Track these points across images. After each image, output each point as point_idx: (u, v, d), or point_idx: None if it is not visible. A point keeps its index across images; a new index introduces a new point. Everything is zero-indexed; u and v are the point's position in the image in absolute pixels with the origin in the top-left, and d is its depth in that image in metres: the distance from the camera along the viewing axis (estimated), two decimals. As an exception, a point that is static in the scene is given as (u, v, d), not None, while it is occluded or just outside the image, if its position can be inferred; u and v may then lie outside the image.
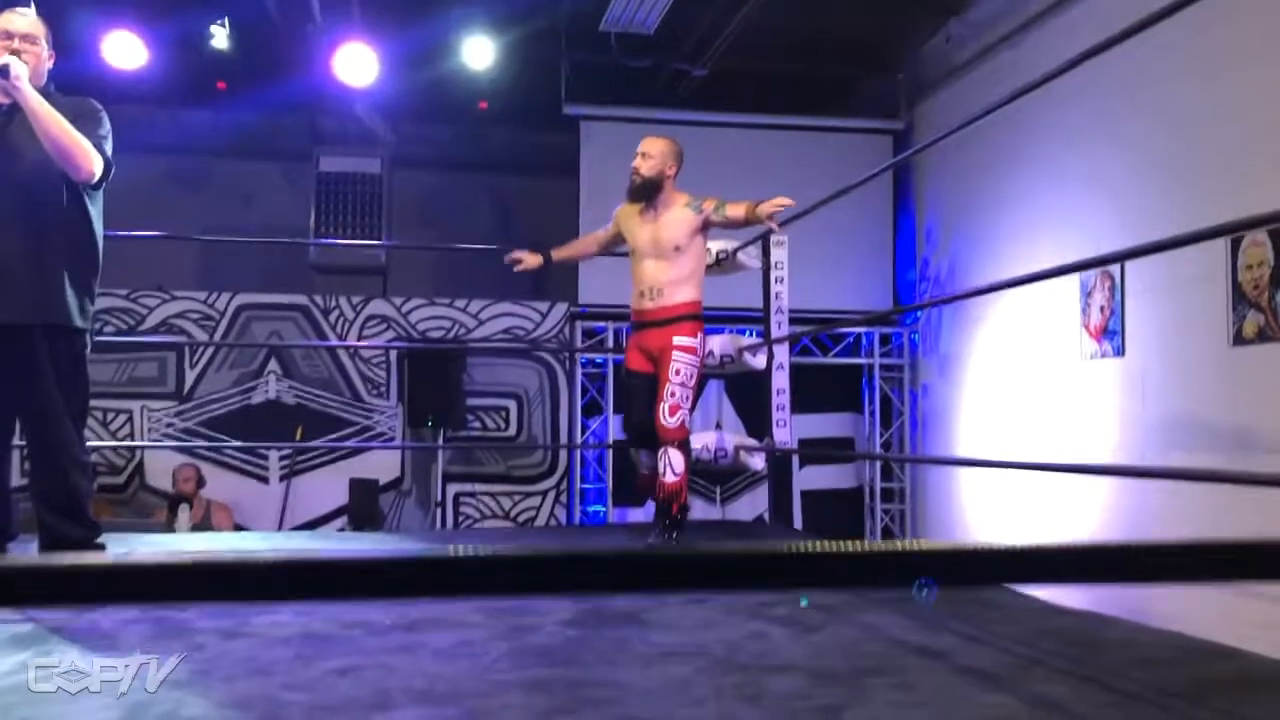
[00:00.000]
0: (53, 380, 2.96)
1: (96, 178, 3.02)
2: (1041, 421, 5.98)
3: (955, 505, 7.14)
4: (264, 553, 0.81)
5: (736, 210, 3.93)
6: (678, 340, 3.93)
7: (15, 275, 2.91)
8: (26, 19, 3.06)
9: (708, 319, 4.10)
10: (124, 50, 6.47)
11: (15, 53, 2.95)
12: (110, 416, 7.11)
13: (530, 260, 4.30)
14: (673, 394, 3.89)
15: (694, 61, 7.39)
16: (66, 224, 3.02)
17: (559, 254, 4.36)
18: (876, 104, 8.14)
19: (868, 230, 7.81)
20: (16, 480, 3.40)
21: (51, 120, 2.91)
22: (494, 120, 8.03)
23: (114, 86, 6.38)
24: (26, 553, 3.19)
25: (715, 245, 4.67)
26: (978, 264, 6.87)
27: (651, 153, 4.00)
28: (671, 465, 3.93)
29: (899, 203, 8.00)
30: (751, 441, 4.77)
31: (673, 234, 3.97)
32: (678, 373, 3.90)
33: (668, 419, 3.88)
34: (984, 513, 6.72)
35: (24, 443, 3.13)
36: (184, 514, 6.45)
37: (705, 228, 4.03)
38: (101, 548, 3.09)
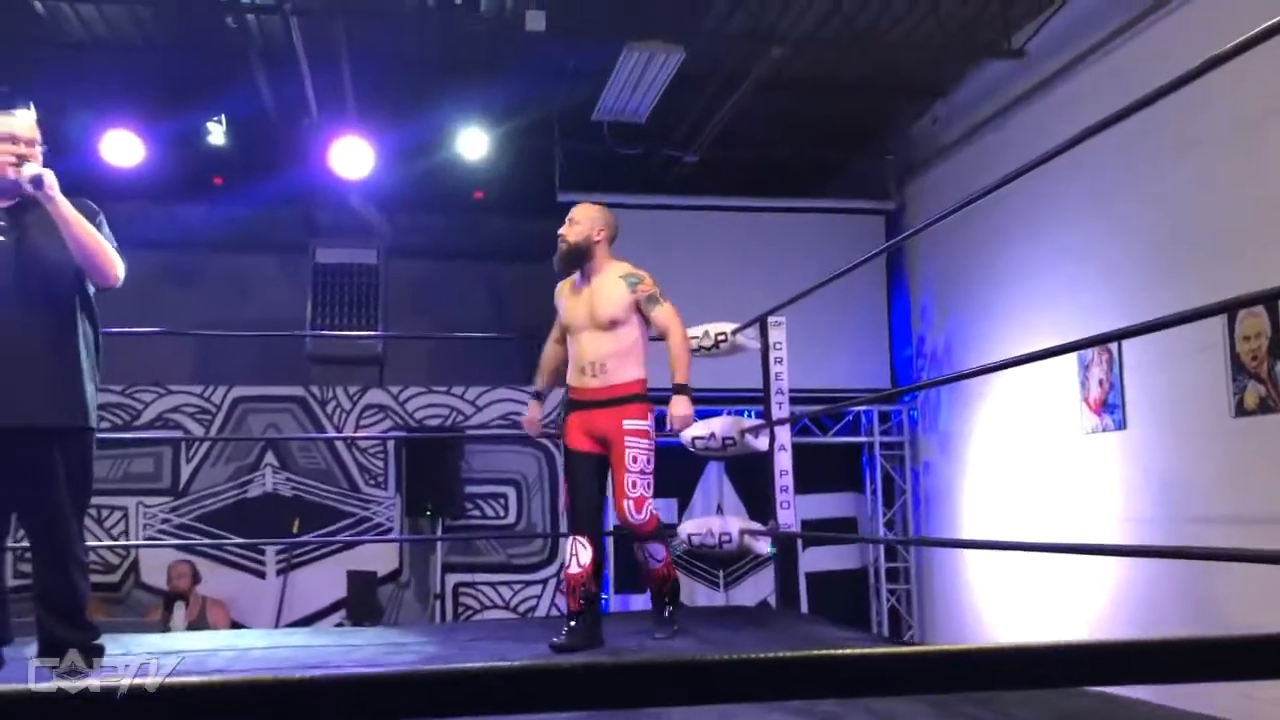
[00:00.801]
0: (64, 481, 2.93)
1: (120, 281, 3.04)
2: (1045, 497, 5.93)
3: (962, 584, 7.06)
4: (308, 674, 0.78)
5: (673, 355, 3.76)
6: (629, 424, 3.66)
7: (34, 378, 2.90)
8: (28, 122, 3.09)
9: (705, 400, 4.08)
10: (122, 148, 6.55)
11: (22, 157, 2.98)
12: (105, 514, 7.03)
13: (535, 415, 4.12)
14: (634, 485, 3.65)
15: (685, 148, 7.50)
16: (80, 324, 3.03)
17: (543, 384, 4.09)
18: (867, 184, 8.25)
19: (862, 308, 7.84)
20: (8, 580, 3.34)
21: (82, 228, 2.95)
22: (488, 209, 8.11)
23: (110, 183, 6.45)
24: (23, 657, 3.11)
25: (714, 328, 4.69)
26: (974, 340, 6.89)
27: (578, 218, 3.80)
28: (652, 554, 3.82)
29: (893, 280, 8.06)
30: (756, 525, 4.72)
31: (607, 307, 3.73)
32: (635, 460, 3.64)
33: (635, 515, 3.67)
34: (991, 592, 6.64)
35: (23, 543, 3.09)
36: (179, 612, 6.34)
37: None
38: (100, 650, 3.03)
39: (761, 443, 4.67)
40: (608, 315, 3.71)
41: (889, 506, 7.98)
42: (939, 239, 7.29)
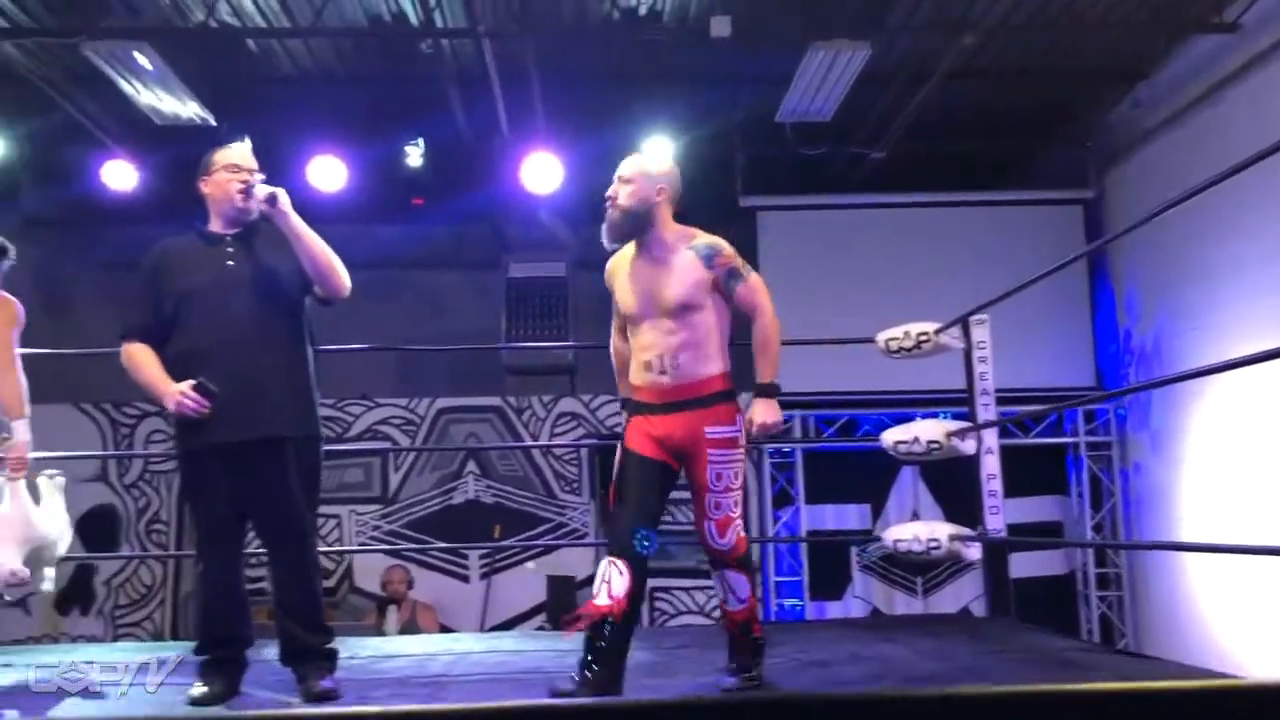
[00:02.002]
0: (301, 490, 3.09)
1: (348, 291, 3.19)
2: (1276, 498, 5.54)
3: (1184, 592, 6.64)
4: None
5: (761, 343, 3.10)
6: (712, 433, 3.00)
7: (271, 390, 3.07)
8: (246, 152, 3.28)
9: (894, 403, 3.75)
10: (327, 173, 6.90)
11: (248, 183, 3.15)
12: (320, 521, 7.40)
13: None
14: (717, 506, 3.00)
15: (871, 145, 7.35)
16: (305, 338, 3.20)
17: (625, 388, 3.29)
18: (1062, 174, 7.91)
19: (1062, 302, 7.48)
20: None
21: (313, 241, 3.12)
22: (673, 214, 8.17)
23: (317, 207, 6.78)
24: (264, 659, 3.29)
25: (915, 328, 4.57)
26: (1188, 336, 6.48)
27: (630, 175, 3.06)
28: (734, 590, 3.09)
29: (1094, 273, 7.69)
30: (965, 531, 4.58)
31: (676, 288, 3.00)
32: (719, 478, 2.99)
33: (718, 540, 3.02)
34: (1219, 601, 6.23)
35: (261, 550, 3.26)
36: (392, 615, 6.62)
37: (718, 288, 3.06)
38: (335, 654, 3.18)
39: (968, 446, 4.53)
40: (678, 299, 3.00)
41: (1096, 510, 7.62)
42: (1143, 230, 6.90)
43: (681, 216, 3.18)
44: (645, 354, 3.05)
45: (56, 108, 6.45)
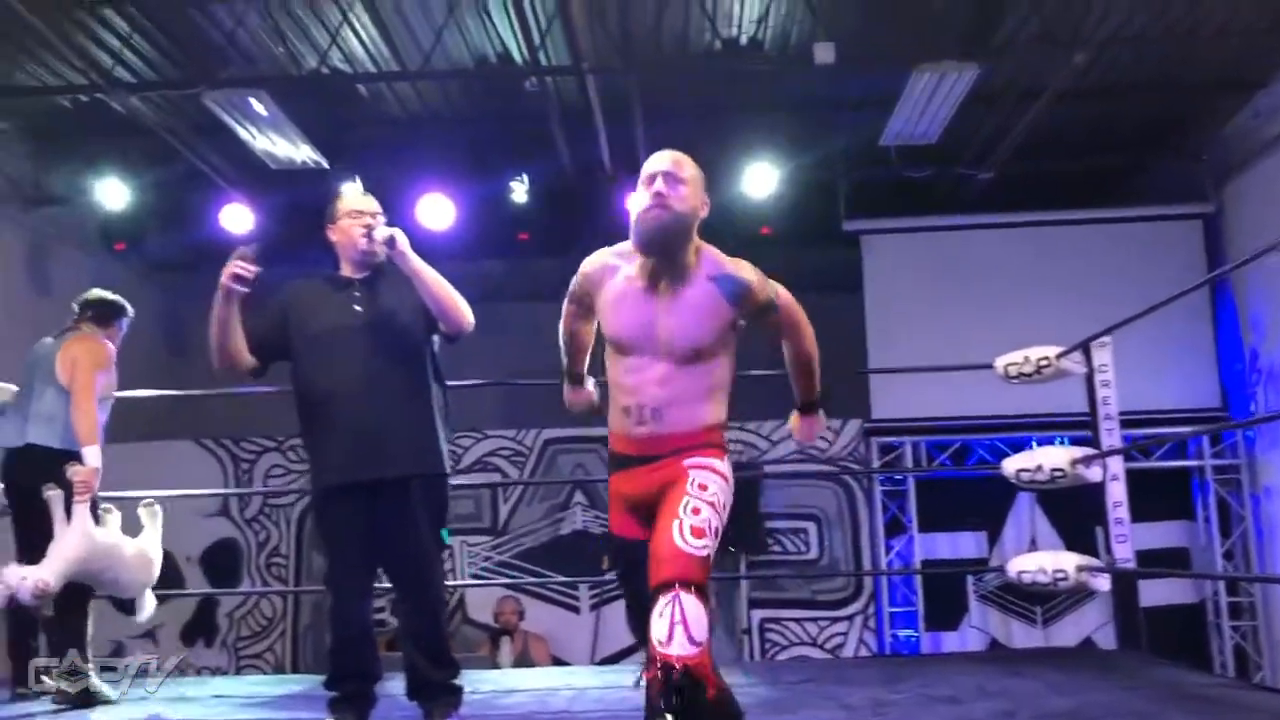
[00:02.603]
0: (428, 527, 3.14)
1: (471, 327, 3.23)
2: None
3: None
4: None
5: (805, 361, 2.69)
6: (693, 461, 2.46)
7: (395, 430, 3.11)
8: (362, 195, 3.34)
9: (1014, 427, 3.41)
10: (436, 211, 7.04)
11: (369, 226, 3.21)
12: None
13: (585, 396, 2.91)
14: (696, 510, 2.36)
15: (978, 165, 7.23)
16: (429, 376, 3.25)
17: (580, 364, 2.87)
18: (1177, 188, 7.67)
19: (1182, 320, 7.17)
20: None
21: (433, 279, 3.15)
22: (772, 242, 8.13)
23: (426, 244, 6.92)
24: (390, 694, 3.34)
25: (1035, 353, 4.46)
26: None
27: (686, 176, 2.50)
28: (688, 625, 2.22)
29: (1215, 289, 7.42)
30: (1091, 561, 4.43)
31: (694, 331, 2.48)
32: (703, 488, 2.40)
33: (690, 541, 2.31)
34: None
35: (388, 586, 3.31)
36: (505, 647, 6.67)
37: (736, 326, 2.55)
38: (460, 690, 3.21)
39: (1093, 474, 4.39)
40: (690, 344, 2.48)
41: (1226, 536, 7.31)
42: (1263, 240, 6.66)
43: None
44: (627, 398, 2.51)
45: (179, 156, 6.73)
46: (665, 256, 2.48)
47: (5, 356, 5.16)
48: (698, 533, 2.32)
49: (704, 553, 2.31)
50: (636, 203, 2.51)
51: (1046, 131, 6.69)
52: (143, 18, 5.65)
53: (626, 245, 2.56)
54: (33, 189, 7.22)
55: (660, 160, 2.52)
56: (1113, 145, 7.37)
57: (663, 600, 2.24)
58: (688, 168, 2.51)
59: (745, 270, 2.53)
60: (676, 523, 2.34)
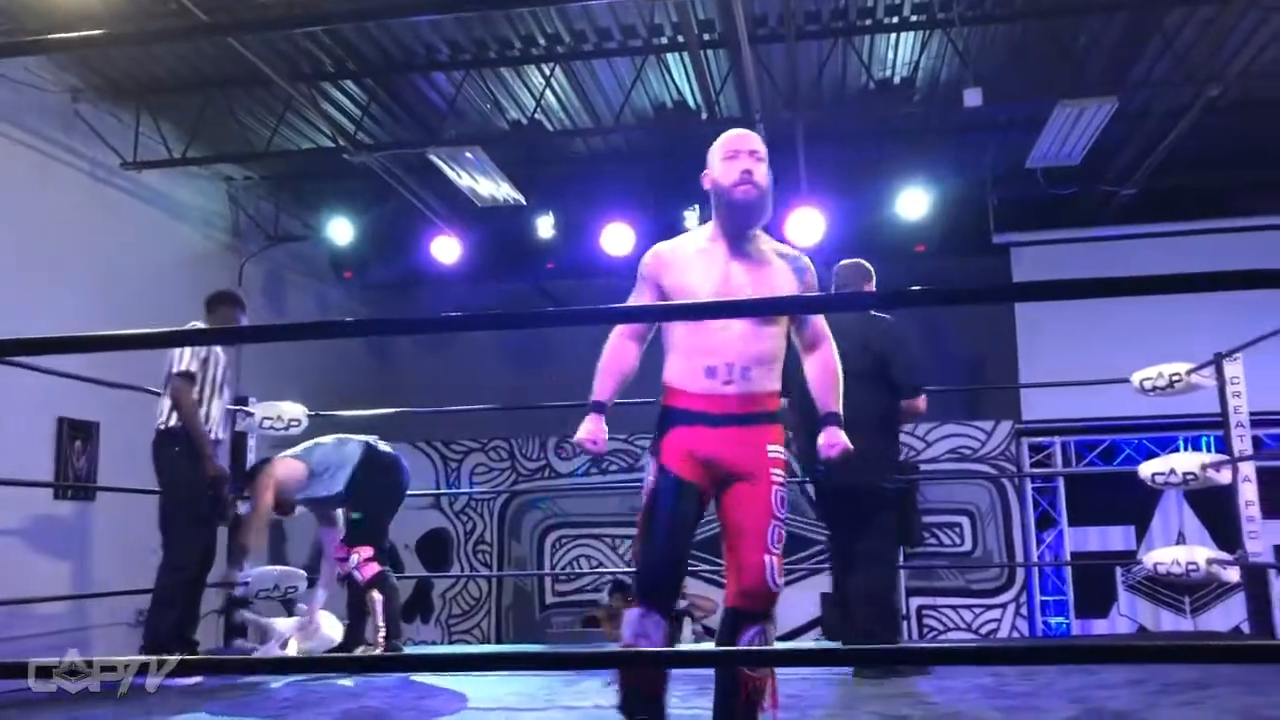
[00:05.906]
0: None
1: None
2: None
3: None
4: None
5: (831, 372, 2.76)
6: (773, 452, 2.60)
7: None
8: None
9: (1161, 427, 3.63)
10: (618, 239, 7.85)
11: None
12: (617, 542, 8.39)
13: (599, 431, 2.74)
14: (777, 538, 2.53)
15: (1122, 182, 7.63)
16: None
17: (608, 391, 2.76)
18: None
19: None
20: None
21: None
22: (926, 256, 8.69)
23: (608, 269, 7.80)
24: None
25: (1168, 369, 4.95)
26: None
27: (764, 155, 2.69)
28: (767, 642, 2.55)
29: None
30: (1222, 555, 4.93)
31: (769, 291, 2.64)
32: (782, 503, 2.56)
33: (775, 580, 2.52)
34: None
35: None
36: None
37: None
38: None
39: (1223, 477, 4.88)
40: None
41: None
42: None
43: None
44: (709, 359, 2.58)
45: (396, 195, 7.75)
46: (749, 229, 2.67)
47: (244, 372, 6.38)
48: (781, 569, 2.54)
49: (782, 581, 2.54)
50: (724, 175, 2.66)
51: (1190, 148, 7.02)
52: (379, 88, 6.66)
53: (682, 236, 2.81)
54: (272, 228, 8.38)
55: (744, 138, 2.70)
56: (1256, 157, 7.62)
57: (752, 631, 2.52)
58: (763, 147, 2.69)
59: (802, 253, 2.77)
60: (769, 559, 2.51)
